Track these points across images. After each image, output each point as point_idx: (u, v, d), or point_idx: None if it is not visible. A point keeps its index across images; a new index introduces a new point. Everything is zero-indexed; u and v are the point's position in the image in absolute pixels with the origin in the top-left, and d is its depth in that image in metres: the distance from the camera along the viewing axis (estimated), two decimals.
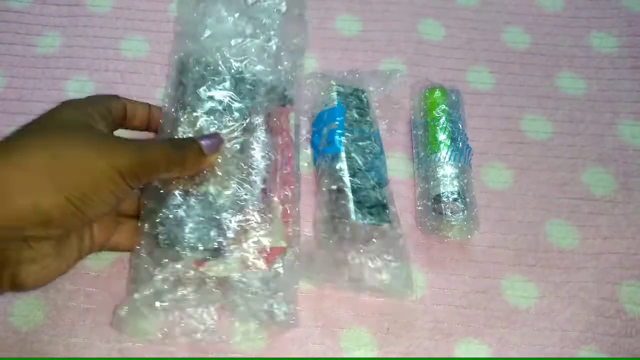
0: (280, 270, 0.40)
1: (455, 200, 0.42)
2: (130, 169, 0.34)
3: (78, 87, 0.49)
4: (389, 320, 0.41)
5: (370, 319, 0.41)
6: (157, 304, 0.38)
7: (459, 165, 0.44)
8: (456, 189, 0.43)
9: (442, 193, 0.43)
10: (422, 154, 0.46)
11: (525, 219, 0.45)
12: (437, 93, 0.47)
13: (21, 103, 0.48)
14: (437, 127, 0.45)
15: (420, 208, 0.45)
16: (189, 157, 0.38)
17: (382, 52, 0.52)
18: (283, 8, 0.50)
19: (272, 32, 0.48)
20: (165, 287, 0.39)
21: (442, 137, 0.44)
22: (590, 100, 0.50)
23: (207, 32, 0.47)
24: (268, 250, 0.40)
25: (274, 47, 0.47)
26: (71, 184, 0.32)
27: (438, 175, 0.44)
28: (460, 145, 0.45)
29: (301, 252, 0.42)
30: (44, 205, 0.31)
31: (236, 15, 0.48)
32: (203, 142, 0.39)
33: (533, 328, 0.41)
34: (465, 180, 0.44)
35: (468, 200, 0.43)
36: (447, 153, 0.44)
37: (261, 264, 0.39)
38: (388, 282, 0.40)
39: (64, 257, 0.36)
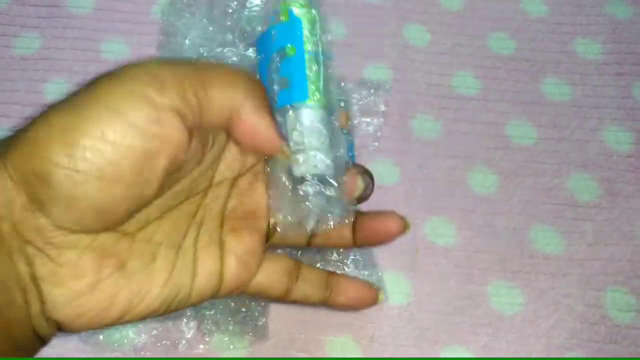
0: None
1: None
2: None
3: (57, 89, 0.48)
4: (374, 328, 0.41)
5: (355, 327, 0.41)
6: None
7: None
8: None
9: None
10: None
11: (510, 225, 0.45)
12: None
13: None
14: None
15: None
16: None
17: (367, 56, 0.52)
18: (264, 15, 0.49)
19: (253, 40, 0.47)
20: None
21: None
22: (575, 106, 0.50)
23: (187, 44, 0.46)
24: None
25: (254, 55, 0.47)
26: None
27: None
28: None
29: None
30: None
31: (217, 25, 0.47)
32: None
33: (518, 335, 0.41)
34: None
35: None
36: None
37: None
38: None
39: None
